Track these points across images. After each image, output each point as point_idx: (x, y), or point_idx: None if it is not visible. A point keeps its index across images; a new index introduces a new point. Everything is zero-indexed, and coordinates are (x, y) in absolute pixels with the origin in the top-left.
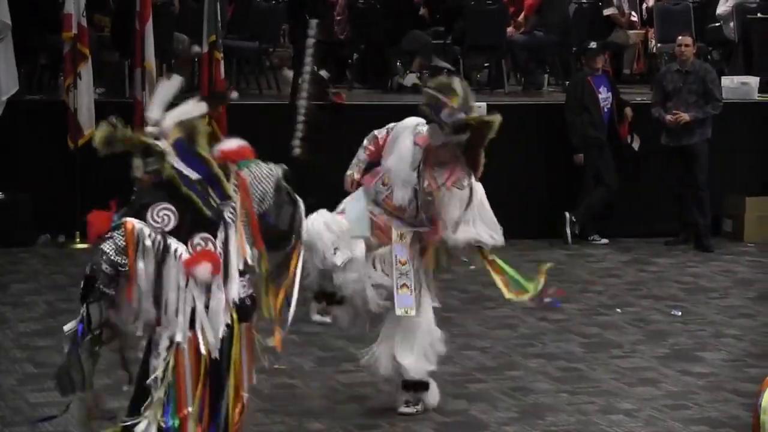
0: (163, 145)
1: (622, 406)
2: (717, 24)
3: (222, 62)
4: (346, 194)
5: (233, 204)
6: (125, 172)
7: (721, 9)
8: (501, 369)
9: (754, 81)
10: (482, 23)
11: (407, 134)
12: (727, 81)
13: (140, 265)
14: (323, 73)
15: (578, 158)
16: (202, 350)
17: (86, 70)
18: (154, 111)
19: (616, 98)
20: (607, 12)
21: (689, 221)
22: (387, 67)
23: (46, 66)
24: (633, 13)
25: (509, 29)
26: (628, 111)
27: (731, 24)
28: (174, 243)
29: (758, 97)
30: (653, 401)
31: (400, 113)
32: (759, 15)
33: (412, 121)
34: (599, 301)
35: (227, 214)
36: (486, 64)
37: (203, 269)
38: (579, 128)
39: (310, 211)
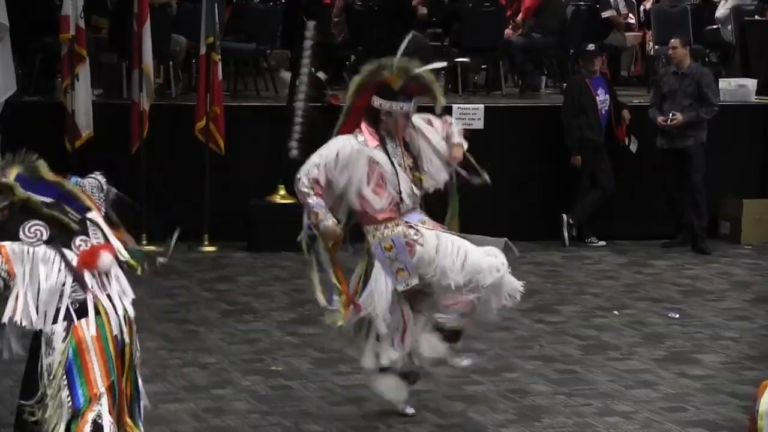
0: (7, 179)
1: (619, 409)
2: (715, 26)
3: (219, 64)
4: None
5: (93, 213)
6: (120, 174)
7: (720, 12)
8: (498, 371)
9: (751, 83)
10: (480, 25)
11: None
12: (724, 83)
13: (20, 272)
14: (320, 74)
15: (576, 160)
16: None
17: (84, 72)
18: None
19: (613, 100)
20: (605, 14)
21: (685, 223)
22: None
23: (44, 67)
24: (631, 15)
25: (507, 31)
26: (626, 113)
27: (729, 26)
28: (65, 250)
29: (755, 99)
30: (650, 403)
31: None
32: (756, 17)
33: None
34: (596, 304)
35: (92, 220)
36: (483, 66)
37: (105, 258)
38: (576, 130)
39: None
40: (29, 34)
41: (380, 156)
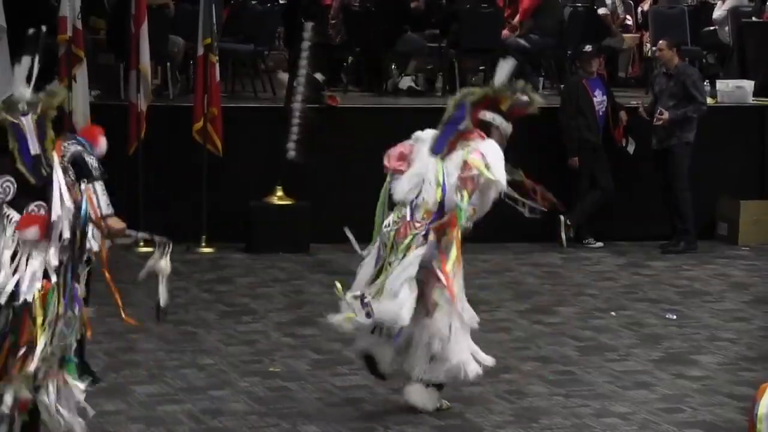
0: (25, 121)
1: (616, 410)
2: (712, 28)
3: (217, 65)
4: (341, 195)
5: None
6: (118, 175)
7: (717, 13)
8: (496, 372)
9: (748, 85)
10: (478, 26)
11: None
12: (722, 85)
13: None
14: (318, 76)
15: (573, 162)
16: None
17: (81, 73)
18: (21, 88)
19: (611, 102)
20: (600, 11)
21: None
22: (382, 69)
23: (41, 68)
24: (628, 16)
25: (504, 32)
26: (623, 114)
27: (726, 28)
28: (9, 211)
29: (753, 100)
30: (648, 405)
31: (395, 116)
32: (754, 19)
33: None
34: (594, 305)
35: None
36: (481, 67)
37: (31, 231)
38: (574, 131)
39: None
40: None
41: None
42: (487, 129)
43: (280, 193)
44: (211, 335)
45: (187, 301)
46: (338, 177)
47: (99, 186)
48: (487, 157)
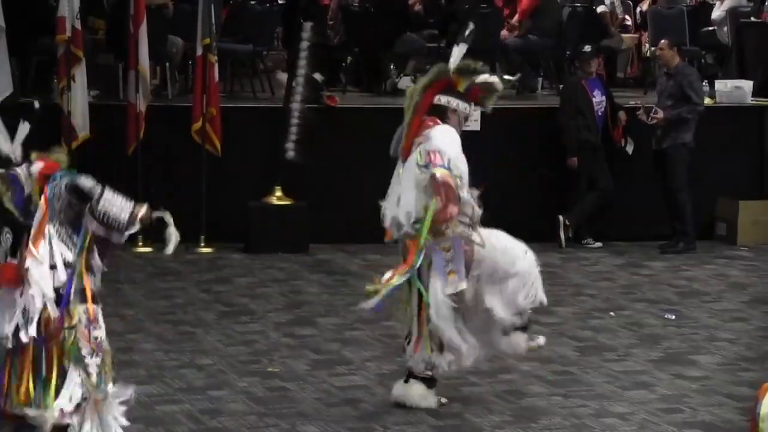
0: (20, 170)
1: (615, 410)
2: (711, 28)
3: (216, 65)
4: (340, 195)
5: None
6: (117, 175)
7: (716, 14)
8: (495, 372)
9: (747, 85)
10: (476, 26)
11: None
12: (720, 85)
13: None
14: (317, 76)
15: (572, 162)
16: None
17: (80, 73)
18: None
19: (610, 102)
20: (599, 9)
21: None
22: (381, 70)
23: (40, 69)
24: (627, 16)
25: (503, 32)
26: (622, 115)
27: (725, 28)
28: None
29: (752, 101)
30: (647, 405)
31: (394, 116)
32: (752, 19)
33: None
34: (593, 305)
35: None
36: None
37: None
38: (573, 131)
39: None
40: (26, 36)
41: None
42: (442, 114)
43: (279, 193)
44: (209, 335)
45: (185, 301)
46: (337, 177)
47: (107, 196)
48: (442, 152)
